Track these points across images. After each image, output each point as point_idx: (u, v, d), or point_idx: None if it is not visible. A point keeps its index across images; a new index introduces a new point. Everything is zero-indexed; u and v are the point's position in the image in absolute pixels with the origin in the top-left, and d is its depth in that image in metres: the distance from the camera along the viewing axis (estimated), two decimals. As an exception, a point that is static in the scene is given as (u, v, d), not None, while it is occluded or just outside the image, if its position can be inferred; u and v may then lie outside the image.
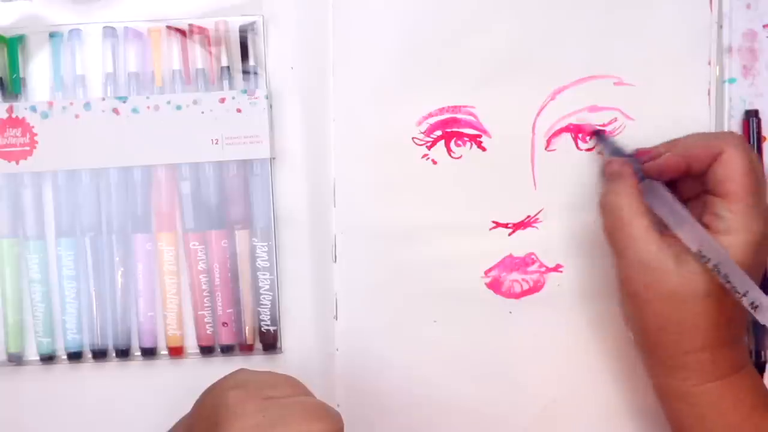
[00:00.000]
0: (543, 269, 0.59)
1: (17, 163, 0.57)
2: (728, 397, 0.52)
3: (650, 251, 0.51)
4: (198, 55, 0.58)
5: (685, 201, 0.54)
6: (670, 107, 0.58)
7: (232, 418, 0.45)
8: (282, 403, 0.47)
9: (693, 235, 0.51)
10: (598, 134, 0.58)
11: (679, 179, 0.54)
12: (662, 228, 0.52)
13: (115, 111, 0.57)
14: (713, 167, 0.52)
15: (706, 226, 0.52)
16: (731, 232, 0.51)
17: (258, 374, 0.50)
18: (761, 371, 0.59)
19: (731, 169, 0.51)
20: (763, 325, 0.57)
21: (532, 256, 0.59)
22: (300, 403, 0.47)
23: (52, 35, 0.58)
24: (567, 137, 0.59)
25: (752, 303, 0.50)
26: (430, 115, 0.59)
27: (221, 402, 0.47)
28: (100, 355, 0.59)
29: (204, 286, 0.59)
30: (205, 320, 0.59)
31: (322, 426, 0.46)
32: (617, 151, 0.57)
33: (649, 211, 0.52)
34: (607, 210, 0.54)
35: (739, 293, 0.50)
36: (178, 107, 0.57)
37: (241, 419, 0.45)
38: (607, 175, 0.55)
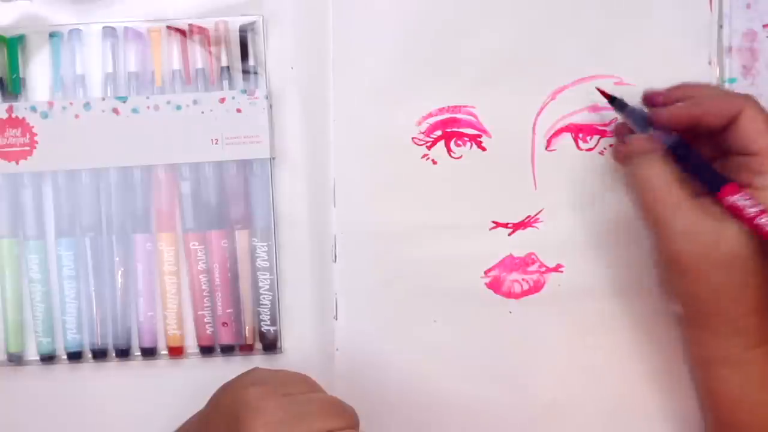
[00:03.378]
0: (543, 269, 0.59)
1: (17, 163, 0.57)
2: None
3: (694, 220, 0.51)
4: (198, 55, 0.58)
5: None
6: (670, 107, 0.58)
7: (254, 414, 0.45)
8: (300, 400, 0.47)
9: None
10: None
11: (698, 143, 0.54)
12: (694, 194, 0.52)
13: (115, 111, 0.57)
14: (737, 126, 0.52)
15: (744, 185, 0.51)
16: None
17: (274, 372, 0.50)
18: None
19: (757, 126, 0.51)
20: None
21: (533, 256, 0.59)
22: (318, 399, 0.48)
23: (52, 35, 0.58)
24: (567, 137, 0.59)
25: None
26: (430, 115, 0.59)
27: (241, 399, 0.47)
28: (100, 355, 0.59)
29: (204, 286, 0.59)
30: (205, 320, 0.59)
31: (342, 422, 0.46)
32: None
33: (682, 178, 0.52)
34: (640, 185, 0.53)
35: None
36: (178, 107, 0.57)
37: (263, 416, 0.45)
38: (634, 152, 0.54)
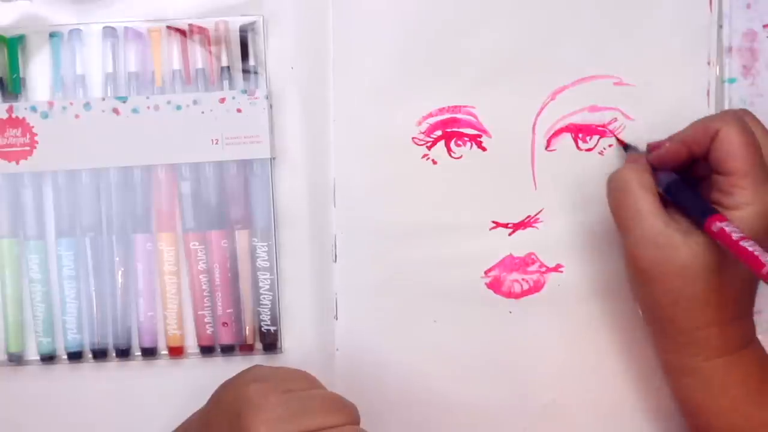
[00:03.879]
0: (543, 269, 0.59)
1: (17, 163, 0.57)
2: (736, 371, 0.53)
3: (658, 227, 0.51)
4: (198, 55, 0.58)
5: (696, 181, 0.55)
6: (669, 107, 0.58)
7: (255, 410, 0.46)
8: (301, 396, 0.47)
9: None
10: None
11: (690, 164, 0.54)
12: (666, 204, 0.53)
13: (115, 111, 0.57)
14: (712, 147, 0.52)
15: (714, 203, 0.52)
16: (740, 207, 0.51)
17: (274, 369, 0.50)
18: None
19: (729, 147, 0.51)
20: None
21: (532, 256, 0.59)
22: (319, 395, 0.48)
23: (52, 35, 0.58)
24: (567, 137, 0.59)
25: None
26: (430, 115, 0.59)
27: (242, 396, 0.47)
28: (100, 355, 0.59)
29: (204, 286, 0.59)
30: (205, 320, 0.59)
31: (342, 417, 0.46)
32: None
33: (655, 188, 0.53)
34: (613, 186, 0.54)
35: None
36: (178, 107, 0.57)
37: (263, 412, 0.45)
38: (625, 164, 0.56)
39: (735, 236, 0.49)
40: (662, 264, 0.51)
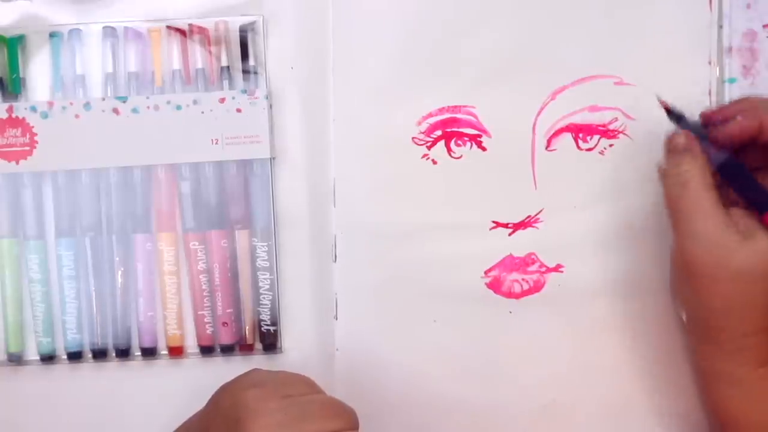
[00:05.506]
0: (543, 269, 0.59)
1: (17, 163, 0.57)
2: None
3: (718, 227, 0.49)
4: (198, 55, 0.58)
5: (752, 171, 0.53)
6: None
7: (254, 416, 0.46)
8: (300, 401, 0.47)
9: None
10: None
11: (745, 149, 0.52)
12: (727, 204, 0.51)
13: (115, 111, 0.57)
14: None
15: None
16: None
17: (273, 374, 0.50)
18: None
19: None
20: None
21: (533, 256, 0.59)
22: (318, 401, 0.48)
23: (52, 35, 0.58)
24: (567, 137, 0.59)
25: None
26: (430, 115, 0.59)
27: (241, 401, 0.47)
28: (100, 354, 0.59)
29: (204, 286, 0.59)
30: (205, 320, 0.59)
31: (341, 423, 0.46)
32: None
33: (715, 185, 0.51)
34: (673, 182, 0.51)
35: None
36: (178, 107, 0.57)
37: (262, 417, 0.45)
38: (673, 147, 0.52)
39: None
40: (717, 267, 0.49)
